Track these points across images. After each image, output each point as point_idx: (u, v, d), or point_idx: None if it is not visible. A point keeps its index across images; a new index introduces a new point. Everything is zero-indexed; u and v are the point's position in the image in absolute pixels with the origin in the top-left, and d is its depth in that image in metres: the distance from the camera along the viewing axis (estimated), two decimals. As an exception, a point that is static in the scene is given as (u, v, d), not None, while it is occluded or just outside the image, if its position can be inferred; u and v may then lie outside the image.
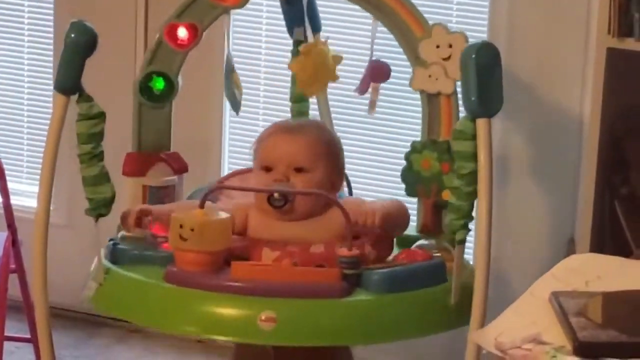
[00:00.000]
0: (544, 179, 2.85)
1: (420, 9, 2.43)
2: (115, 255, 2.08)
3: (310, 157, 2.13)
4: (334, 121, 2.56)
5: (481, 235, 2.08)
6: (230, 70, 2.33)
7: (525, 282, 1.62)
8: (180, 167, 2.30)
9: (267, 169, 2.12)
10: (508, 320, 1.47)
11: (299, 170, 2.11)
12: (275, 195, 2.06)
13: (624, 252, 2.22)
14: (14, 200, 2.63)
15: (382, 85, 2.42)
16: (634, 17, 2.44)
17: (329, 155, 2.17)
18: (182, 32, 2.24)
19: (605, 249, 2.43)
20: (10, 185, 2.61)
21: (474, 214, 2.13)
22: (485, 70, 2.09)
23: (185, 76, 2.37)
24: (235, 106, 2.37)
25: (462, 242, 2.09)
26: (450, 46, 2.19)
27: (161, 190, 2.26)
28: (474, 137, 2.08)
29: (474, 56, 2.06)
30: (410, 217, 2.29)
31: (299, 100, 2.51)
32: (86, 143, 2.11)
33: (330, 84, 2.42)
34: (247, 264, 2.01)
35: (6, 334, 2.59)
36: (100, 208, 2.15)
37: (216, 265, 1.97)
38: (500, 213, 2.60)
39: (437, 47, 2.19)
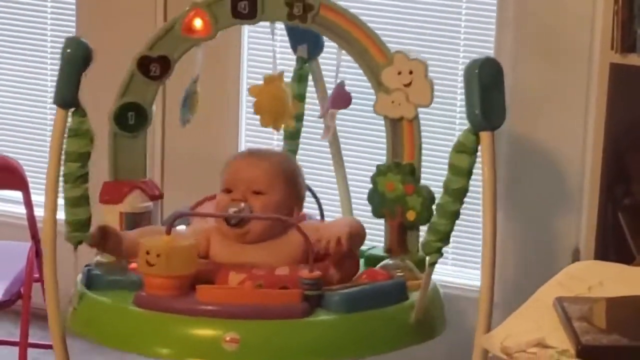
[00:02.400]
0: (549, 190, 2.90)
1: (429, 31, 2.63)
2: (90, 280, 2.15)
3: (268, 181, 2.22)
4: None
5: (486, 243, 2.17)
6: (192, 92, 2.43)
7: (531, 289, 1.67)
8: (155, 194, 2.38)
9: (228, 191, 2.20)
10: (514, 324, 1.52)
11: (257, 192, 2.18)
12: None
13: (627, 260, 2.26)
14: (38, 212, 2.66)
15: (351, 109, 2.50)
16: (637, 34, 2.53)
17: (287, 181, 2.24)
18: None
19: (608, 258, 2.47)
20: (34, 197, 2.72)
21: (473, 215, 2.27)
22: (488, 84, 2.15)
23: (203, 99, 2.46)
24: (184, 121, 2.46)
25: (433, 264, 2.15)
26: (411, 72, 2.23)
27: (137, 217, 2.33)
28: (472, 152, 2.12)
29: (477, 71, 2.12)
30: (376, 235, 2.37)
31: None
32: (74, 162, 2.19)
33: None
34: (212, 288, 2.07)
35: (30, 340, 2.72)
36: (78, 231, 2.21)
37: (183, 289, 2.05)
38: (507, 223, 2.74)
39: (399, 73, 2.24)
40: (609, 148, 2.68)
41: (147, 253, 2.06)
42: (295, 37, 2.58)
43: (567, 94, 2.85)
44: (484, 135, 2.12)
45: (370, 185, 2.37)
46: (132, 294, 2.11)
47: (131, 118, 2.40)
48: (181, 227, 2.29)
